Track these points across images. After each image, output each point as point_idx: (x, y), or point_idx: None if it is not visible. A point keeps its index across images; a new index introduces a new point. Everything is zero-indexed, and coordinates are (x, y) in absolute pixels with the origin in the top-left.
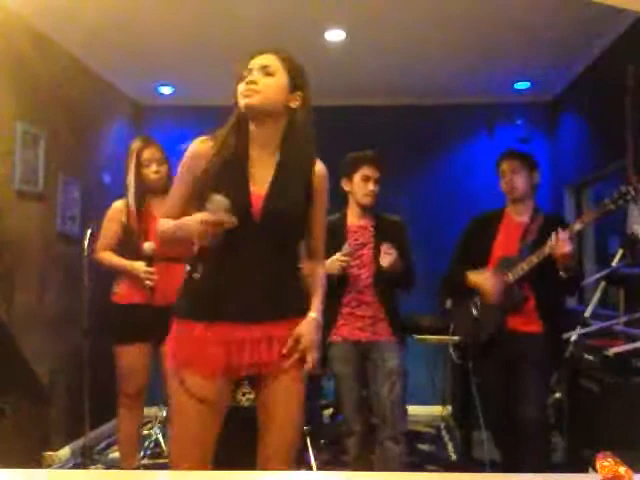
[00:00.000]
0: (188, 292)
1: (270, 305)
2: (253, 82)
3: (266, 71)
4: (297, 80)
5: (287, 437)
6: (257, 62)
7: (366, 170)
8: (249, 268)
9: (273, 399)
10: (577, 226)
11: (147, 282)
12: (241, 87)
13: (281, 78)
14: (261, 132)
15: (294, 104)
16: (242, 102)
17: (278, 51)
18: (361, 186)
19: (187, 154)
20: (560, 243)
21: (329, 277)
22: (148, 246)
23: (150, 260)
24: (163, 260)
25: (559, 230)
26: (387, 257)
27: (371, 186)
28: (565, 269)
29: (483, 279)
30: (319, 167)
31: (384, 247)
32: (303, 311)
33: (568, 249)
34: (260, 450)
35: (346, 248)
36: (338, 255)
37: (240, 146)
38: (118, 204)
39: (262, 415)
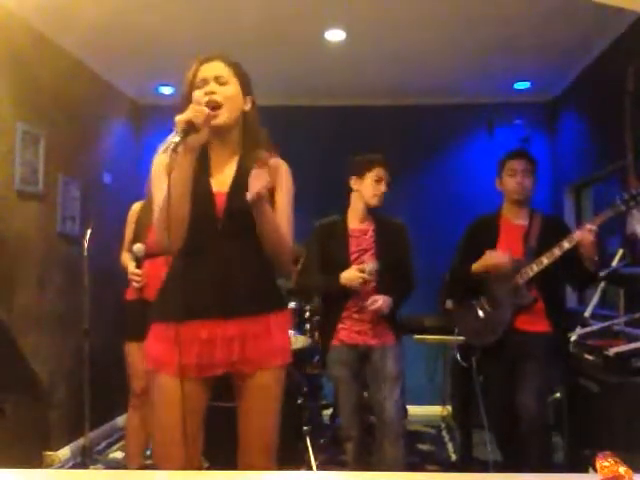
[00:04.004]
0: (158, 295)
1: (242, 300)
2: (213, 92)
3: (220, 81)
4: (247, 85)
5: (265, 433)
6: (210, 72)
7: (380, 172)
8: (216, 265)
9: (249, 397)
10: (589, 226)
11: (133, 284)
12: (198, 94)
13: (235, 86)
14: (219, 137)
15: (247, 107)
16: (207, 119)
17: (225, 57)
18: (373, 186)
19: (153, 168)
20: (588, 234)
21: (339, 290)
22: (137, 248)
23: (141, 261)
24: (158, 257)
25: (585, 224)
26: (377, 304)
27: (382, 187)
28: (590, 261)
29: (491, 255)
30: (278, 161)
31: (379, 299)
32: (279, 305)
33: (593, 239)
34: (240, 445)
35: (372, 266)
36: (357, 268)
37: (199, 151)
38: (136, 206)
39: (240, 412)
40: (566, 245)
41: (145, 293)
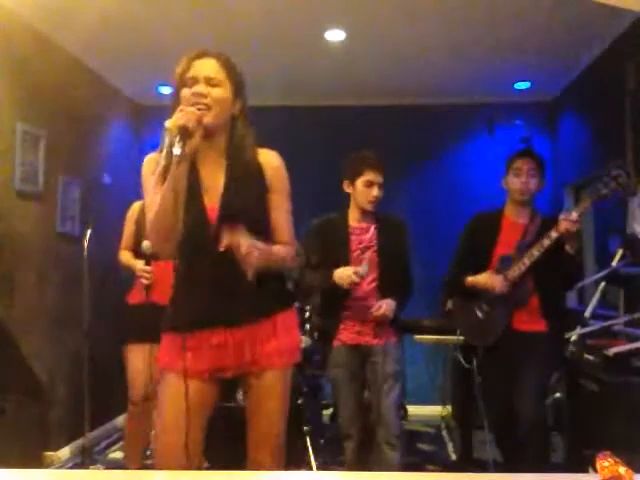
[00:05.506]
0: (169, 305)
1: (245, 308)
2: (202, 95)
3: (211, 83)
4: (239, 87)
5: (272, 431)
6: (201, 71)
7: (369, 175)
8: (216, 278)
9: (258, 396)
10: (575, 215)
11: (143, 280)
12: (186, 94)
13: (227, 89)
14: (206, 142)
15: (235, 111)
16: (199, 121)
17: (218, 55)
18: (364, 192)
19: (143, 171)
20: (573, 224)
21: (331, 287)
22: (146, 244)
23: (149, 259)
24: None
25: (571, 211)
26: (381, 310)
27: (375, 192)
28: (570, 246)
29: (486, 277)
30: (270, 156)
31: (383, 304)
32: (285, 305)
33: (575, 227)
34: (248, 443)
35: (363, 267)
36: (352, 270)
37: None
38: (135, 205)
39: (249, 410)
40: (554, 235)
41: (152, 296)
